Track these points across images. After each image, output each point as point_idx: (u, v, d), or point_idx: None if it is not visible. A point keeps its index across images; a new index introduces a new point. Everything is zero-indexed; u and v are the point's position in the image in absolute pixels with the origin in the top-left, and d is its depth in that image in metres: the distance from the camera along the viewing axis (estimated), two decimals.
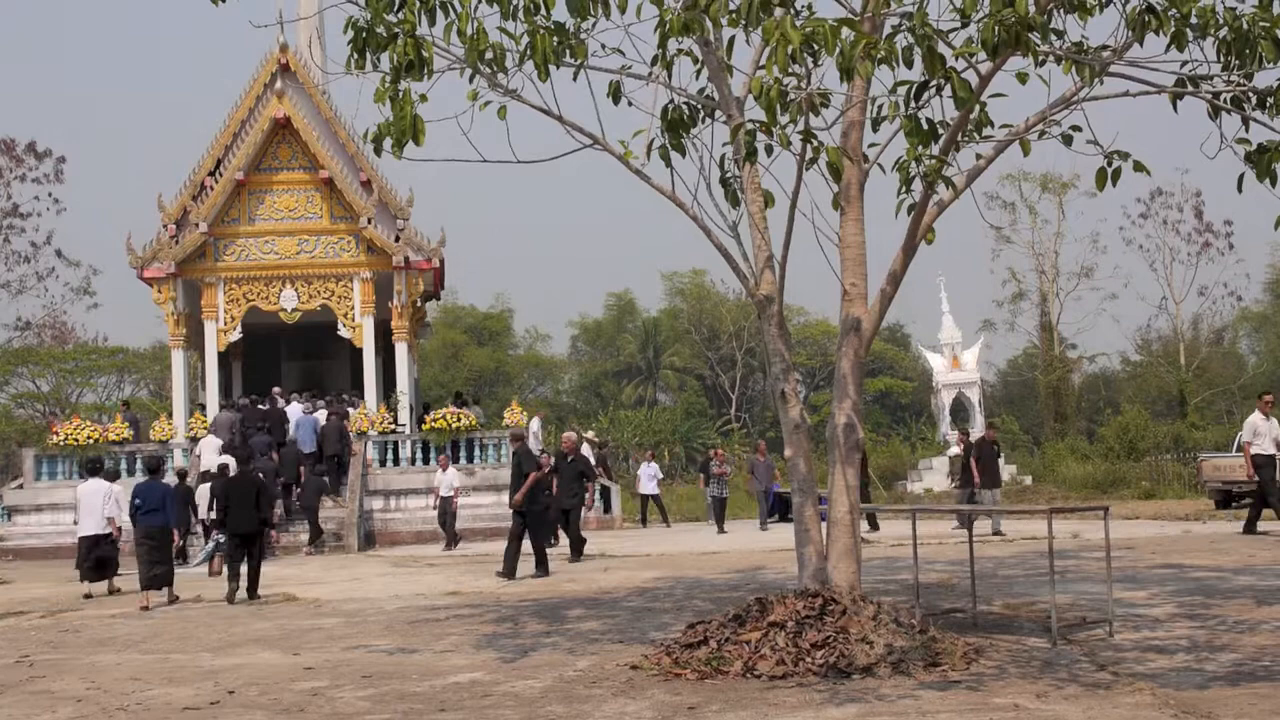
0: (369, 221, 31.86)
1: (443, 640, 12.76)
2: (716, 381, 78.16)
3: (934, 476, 41.84)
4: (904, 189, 10.58)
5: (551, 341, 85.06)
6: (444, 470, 27.83)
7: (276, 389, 33.10)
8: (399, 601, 16.60)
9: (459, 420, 30.93)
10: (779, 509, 31.82)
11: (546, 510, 20.77)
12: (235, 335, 32.31)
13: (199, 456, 28.68)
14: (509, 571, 18.89)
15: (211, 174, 32.24)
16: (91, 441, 29.95)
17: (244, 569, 18.18)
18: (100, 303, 63.06)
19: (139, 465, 28.51)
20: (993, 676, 9.36)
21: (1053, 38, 9.67)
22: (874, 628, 10.31)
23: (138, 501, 18.62)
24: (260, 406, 31.83)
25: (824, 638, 10.20)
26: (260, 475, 20.61)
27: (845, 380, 11.42)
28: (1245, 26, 9.10)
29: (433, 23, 10.08)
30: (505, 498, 29.20)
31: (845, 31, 8.46)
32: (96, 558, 20.09)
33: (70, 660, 12.58)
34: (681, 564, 20.54)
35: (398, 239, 32.47)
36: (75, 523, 20.74)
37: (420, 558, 24.66)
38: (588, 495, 22.61)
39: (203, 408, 33.10)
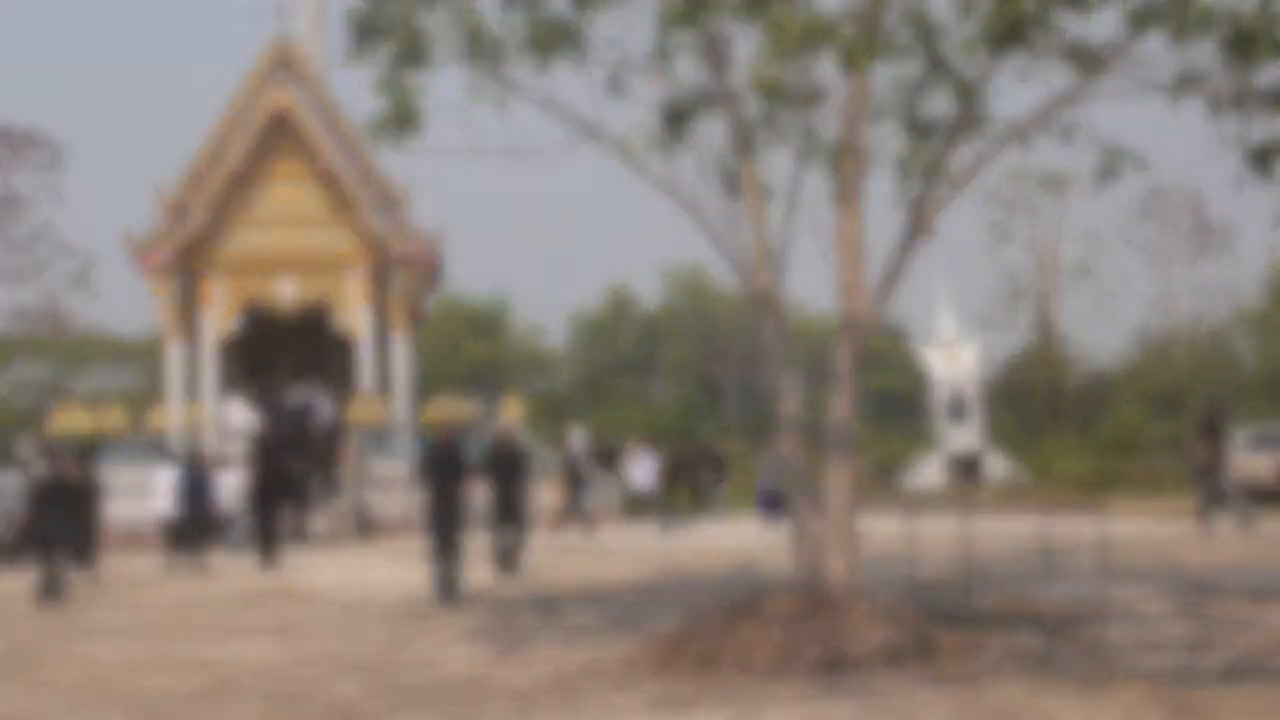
0: (368, 213, 31.82)
1: (438, 632, 12.80)
2: (715, 376, 78.14)
3: (931, 473, 41.90)
4: (903, 184, 10.63)
5: (549, 335, 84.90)
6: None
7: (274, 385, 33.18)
8: (395, 593, 16.62)
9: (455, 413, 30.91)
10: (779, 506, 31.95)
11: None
12: (233, 326, 32.26)
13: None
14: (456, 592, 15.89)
15: (210, 164, 32.19)
16: (89, 430, 29.93)
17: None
18: (98, 292, 62.78)
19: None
20: (987, 673, 9.40)
21: (1053, 34, 9.70)
22: (869, 623, 10.35)
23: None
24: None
25: (818, 632, 10.23)
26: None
27: (843, 376, 11.45)
28: (1245, 24, 9.13)
29: (432, 13, 10.13)
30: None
31: (845, 25, 8.49)
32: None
33: (68, 649, 12.61)
34: (677, 560, 20.57)
35: (397, 231, 32.41)
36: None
37: (417, 550, 24.62)
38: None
39: (197, 397, 33.13)
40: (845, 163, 11.22)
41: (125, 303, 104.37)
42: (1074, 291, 60.60)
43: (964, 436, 43.24)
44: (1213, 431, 23.91)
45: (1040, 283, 59.19)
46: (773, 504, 31.99)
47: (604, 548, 23.81)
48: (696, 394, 76.65)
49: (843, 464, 11.31)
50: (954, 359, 44.30)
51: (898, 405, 76.38)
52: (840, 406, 11.38)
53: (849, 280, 11.51)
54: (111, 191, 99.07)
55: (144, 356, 66.98)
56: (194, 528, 21.66)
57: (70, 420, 29.98)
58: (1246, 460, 30.60)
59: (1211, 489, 24.31)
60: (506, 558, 18.69)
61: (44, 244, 51.76)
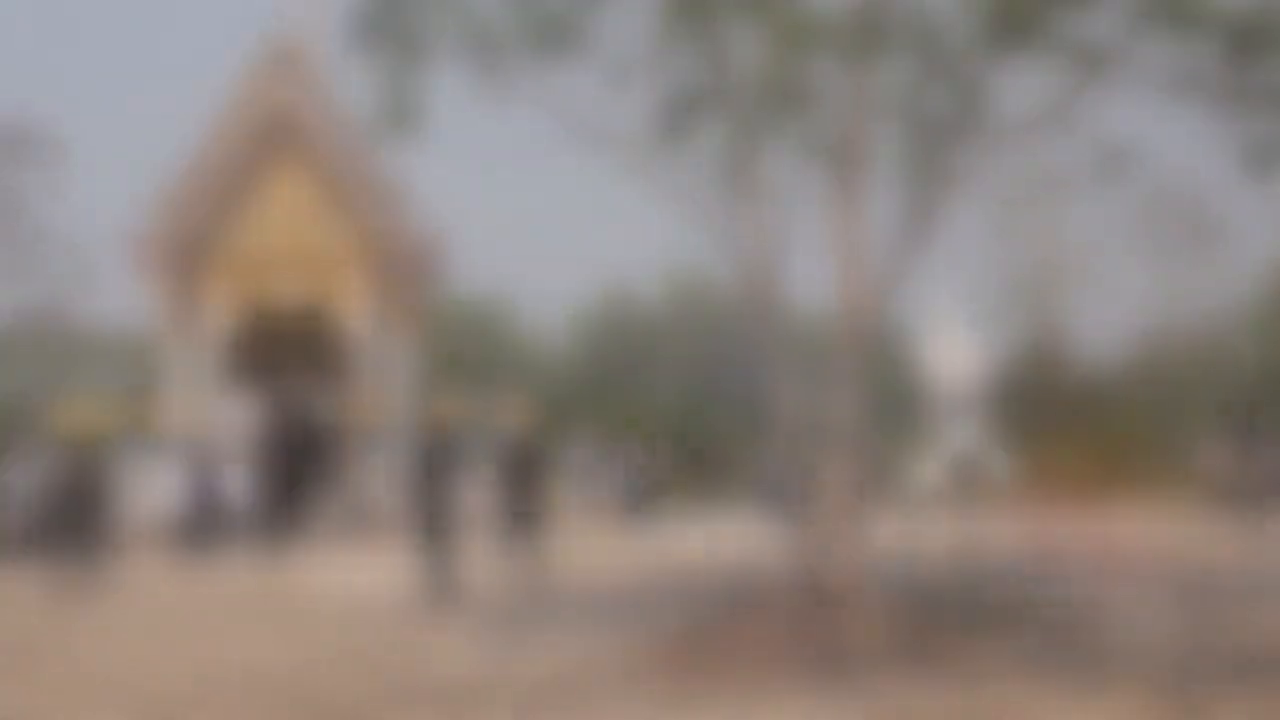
0: (368, 212, 31.78)
1: (441, 630, 12.80)
2: (715, 376, 78.11)
3: (931, 472, 41.85)
4: (905, 183, 10.63)
5: (548, 335, 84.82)
6: None
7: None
8: (396, 592, 16.57)
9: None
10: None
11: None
12: (233, 324, 32.21)
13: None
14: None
15: (211, 162, 32.11)
16: (93, 428, 29.91)
17: None
18: (99, 289, 62.22)
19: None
20: (987, 672, 9.39)
21: (1054, 33, 9.70)
22: (870, 622, 10.36)
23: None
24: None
25: (819, 631, 10.25)
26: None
27: (843, 375, 11.46)
28: (1248, 21, 9.12)
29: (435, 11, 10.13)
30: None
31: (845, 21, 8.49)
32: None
33: (71, 647, 12.60)
34: (676, 558, 20.55)
35: (397, 230, 32.36)
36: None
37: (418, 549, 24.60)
38: None
39: (199, 395, 33.08)
40: (845, 162, 11.24)
41: (124, 300, 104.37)
42: (1074, 291, 60.58)
43: (964, 435, 43.17)
44: (1245, 434, 23.77)
45: (1040, 282, 59.15)
46: (772, 499, 32.19)
47: (599, 547, 23.78)
48: (697, 393, 76.67)
49: (844, 463, 11.33)
50: (954, 358, 44.30)
51: (896, 404, 76.43)
52: (841, 405, 11.38)
53: (849, 279, 11.52)
54: (111, 189, 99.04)
55: (140, 354, 67.09)
56: (199, 526, 21.80)
57: (74, 418, 29.95)
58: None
59: (1237, 491, 24.19)
60: (521, 560, 18.25)
61: (44, 242, 51.47)
